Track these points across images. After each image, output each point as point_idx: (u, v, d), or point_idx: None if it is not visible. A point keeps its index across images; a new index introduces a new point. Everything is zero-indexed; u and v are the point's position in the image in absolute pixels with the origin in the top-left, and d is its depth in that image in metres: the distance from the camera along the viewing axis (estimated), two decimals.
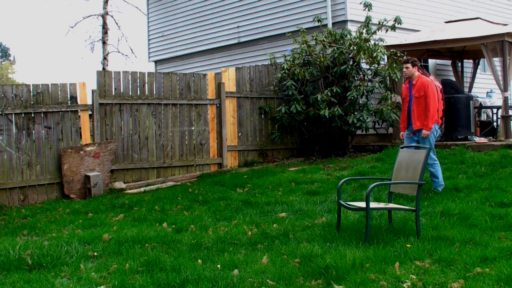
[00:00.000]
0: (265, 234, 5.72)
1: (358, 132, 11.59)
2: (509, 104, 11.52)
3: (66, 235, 6.15)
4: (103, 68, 22.81)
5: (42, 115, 9.18)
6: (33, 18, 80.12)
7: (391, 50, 11.37)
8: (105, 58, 23.33)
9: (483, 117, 13.57)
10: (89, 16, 24.00)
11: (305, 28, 11.84)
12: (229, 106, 11.02)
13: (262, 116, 11.51)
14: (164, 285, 4.18)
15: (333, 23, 12.65)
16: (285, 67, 11.42)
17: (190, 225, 6.30)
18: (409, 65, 7.56)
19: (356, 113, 11.05)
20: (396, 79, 11.27)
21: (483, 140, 11.09)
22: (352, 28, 12.14)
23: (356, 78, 11.45)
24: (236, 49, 15.15)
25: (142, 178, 9.98)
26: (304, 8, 13.38)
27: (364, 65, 11.60)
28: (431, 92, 7.43)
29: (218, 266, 4.63)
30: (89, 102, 9.62)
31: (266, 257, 4.83)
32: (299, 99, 11.13)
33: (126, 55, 27.14)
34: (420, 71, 7.68)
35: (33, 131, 9.10)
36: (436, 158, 7.49)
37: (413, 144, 7.16)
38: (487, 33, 11.20)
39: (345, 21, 12.60)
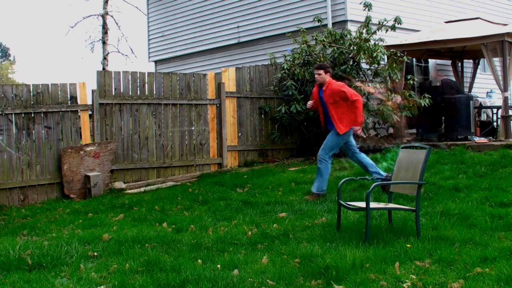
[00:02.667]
0: (265, 234, 5.72)
1: None
2: (509, 104, 11.52)
3: (66, 235, 6.15)
4: (103, 68, 22.81)
5: (42, 115, 9.18)
6: (33, 18, 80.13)
7: (391, 50, 11.37)
8: (105, 58, 23.33)
9: (483, 117, 13.58)
10: (89, 16, 24.01)
11: (305, 28, 11.84)
12: (229, 106, 11.02)
13: (262, 116, 11.51)
14: (164, 285, 4.18)
15: (333, 23, 12.65)
16: (285, 67, 11.42)
17: (190, 225, 6.30)
18: (321, 71, 7.56)
19: None
20: (397, 80, 11.27)
21: (483, 140, 11.09)
22: (352, 28, 12.14)
23: (356, 78, 11.44)
24: (236, 49, 15.16)
25: (142, 178, 9.98)
26: (304, 8, 13.38)
27: (364, 65, 11.60)
28: (349, 92, 7.49)
29: (218, 266, 4.63)
30: (89, 102, 9.62)
31: (266, 257, 4.83)
32: (299, 99, 11.13)
33: (126, 55, 27.13)
34: (331, 77, 7.74)
35: (33, 131, 9.10)
36: (328, 159, 7.71)
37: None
38: (487, 33, 11.20)
39: (345, 21, 12.61)
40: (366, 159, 7.91)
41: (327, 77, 7.62)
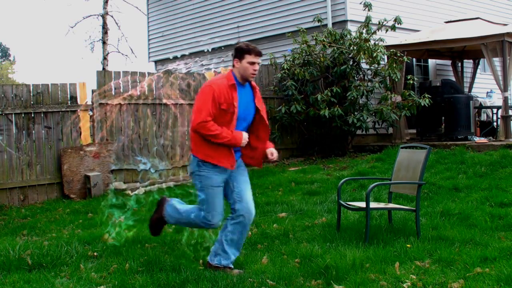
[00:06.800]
0: (265, 234, 5.72)
1: (358, 132, 11.59)
2: (509, 104, 11.52)
3: (66, 235, 6.16)
4: (103, 68, 22.81)
5: (42, 115, 9.18)
6: (33, 18, 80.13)
7: (391, 50, 11.37)
8: (105, 58, 23.33)
9: (483, 117, 13.58)
10: (89, 16, 24.02)
11: (305, 28, 11.84)
12: None
13: None
14: (164, 285, 4.18)
15: (333, 23, 12.65)
16: (285, 67, 11.42)
17: None
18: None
19: (356, 113, 11.05)
20: (396, 79, 11.27)
21: (483, 140, 11.09)
22: (352, 28, 12.14)
23: (356, 78, 11.44)
24: None
25: (142, 178, 9.97)
26: (304, 8, 13.38)
27: (364, 65, 11.60)
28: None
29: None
30: (89, 102, 9.62)
31: (266, 257, 4.84)
32: (299, 99, 11.13)
33: (126, 55, 27.15)
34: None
35: (33, 131, 9.09)
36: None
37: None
38: (487, 33, 11.20)
39: (345, 21, 12.60)
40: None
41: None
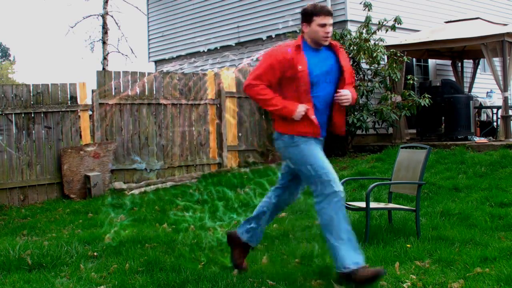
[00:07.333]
0: (265, 234, 5.69)
1: (358, 132, 11.59)
2: (509, 104, 11.52)
3: (66, 235, 6.15)
4: (103, 68, 22.81)
5: (42, 115, 9.18)
6: (33, 18, 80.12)
7: (391, 50, 11.37)
8: (105, 58, 23.33)
9: (483, 117, 13.58)
10: (89, 16, 24.02)
11: None
12: (229, 106, 11.02)
13: (263, 116, 11.50)
14: (164, 285, 4.18)
15: (333, 23, 12.65)
16: None
17: (190, 225, 6.30)
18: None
19: (356, 113, 11.05)
20: (396, 79, 11.27)
21: (483, 140, 11.09)
22: (352, 28, 12.14)
23: (356, 78, 11.44)
24: (236, 49, 15.15)
25: (142, 178, 9.98)
26: None
27: (364, 65, 11.60)
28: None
29: (218, 266, 4.63)
30: (89, 102, 9.62)
31: (266, 257, 4.83)
32: None
33: (126, 55, 27.14)
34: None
35: (33, 131, 9.09)
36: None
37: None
38: (487, 33, 11.20)
39: (345, 21, 12.60)
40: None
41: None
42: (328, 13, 4.05)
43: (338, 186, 4.00)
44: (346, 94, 4.09)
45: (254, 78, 4.08)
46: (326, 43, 4.11)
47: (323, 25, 4.02)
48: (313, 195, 4.03)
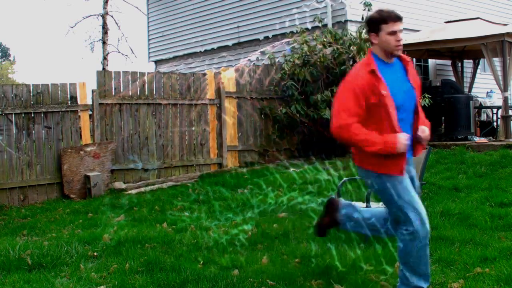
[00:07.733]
0: (265, 234, 5.72)
1: None
2: (509, 104, 11.52)
3: (66, 235, 6.15)
4: (103, 68, 22.81)
5: (42, 115, 9.17)
6: (33, 18, 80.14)
7: None
8: (105, 58, 23.33)
9: (483, 117, 13.58)
10: (89, 16, 24.02)
11: (305, 28, 11.84)
12: (229, 106, 11.02)
13: (262, 116, 11.50)
14: (164, 285, 4.18)
15: (333, 23, 12.65)
16: (285, 67, 11.42)
17: (190, 225, 6.30)
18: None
19: None
20: None
21: (483, 140, 11.09)
22: (352, 28, 12.14)
23: None
24: (236, 49, 15.15)
25: (142, 178, 9.97)
26: (304, 8, 13.37)
27: None
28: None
29: (218, 266, 4.63)
30: (89, 102, 9.61)
31: (266, 257, 4.83)
32: (299, 100, 11.12)
33: (126, 55, 27.15)
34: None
35: (33, 131, 9.09)
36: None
37: None
38: (487, 33, 11.19)
39: (345, 21, 12.60)
40: None
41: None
42: (397, 19, 3.57)
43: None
44: (426, 131, 3.70)
45: (345, 116, 3.48)
46: (399, 53, 3.65)
47: (393, 33, 3.55)
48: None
